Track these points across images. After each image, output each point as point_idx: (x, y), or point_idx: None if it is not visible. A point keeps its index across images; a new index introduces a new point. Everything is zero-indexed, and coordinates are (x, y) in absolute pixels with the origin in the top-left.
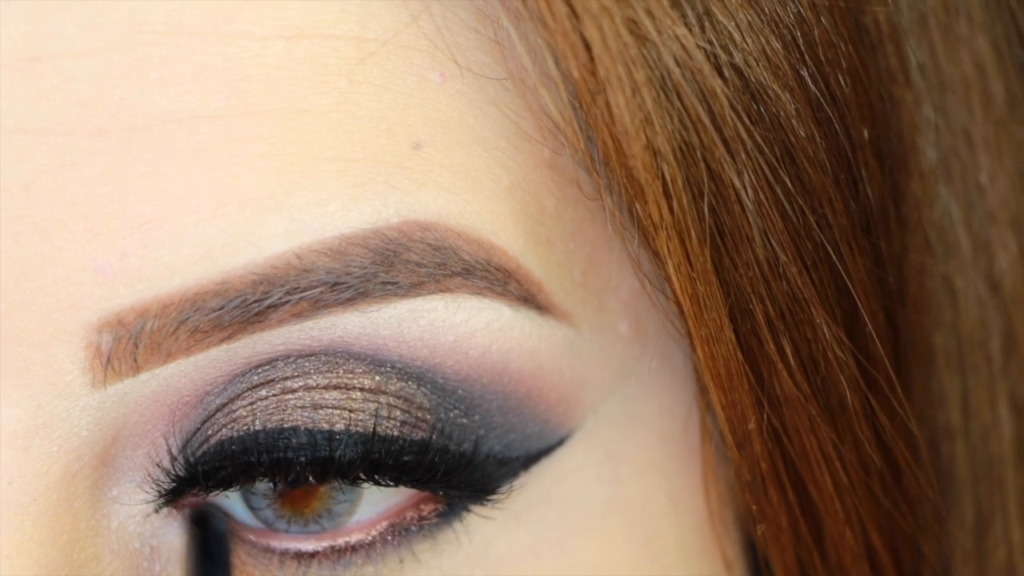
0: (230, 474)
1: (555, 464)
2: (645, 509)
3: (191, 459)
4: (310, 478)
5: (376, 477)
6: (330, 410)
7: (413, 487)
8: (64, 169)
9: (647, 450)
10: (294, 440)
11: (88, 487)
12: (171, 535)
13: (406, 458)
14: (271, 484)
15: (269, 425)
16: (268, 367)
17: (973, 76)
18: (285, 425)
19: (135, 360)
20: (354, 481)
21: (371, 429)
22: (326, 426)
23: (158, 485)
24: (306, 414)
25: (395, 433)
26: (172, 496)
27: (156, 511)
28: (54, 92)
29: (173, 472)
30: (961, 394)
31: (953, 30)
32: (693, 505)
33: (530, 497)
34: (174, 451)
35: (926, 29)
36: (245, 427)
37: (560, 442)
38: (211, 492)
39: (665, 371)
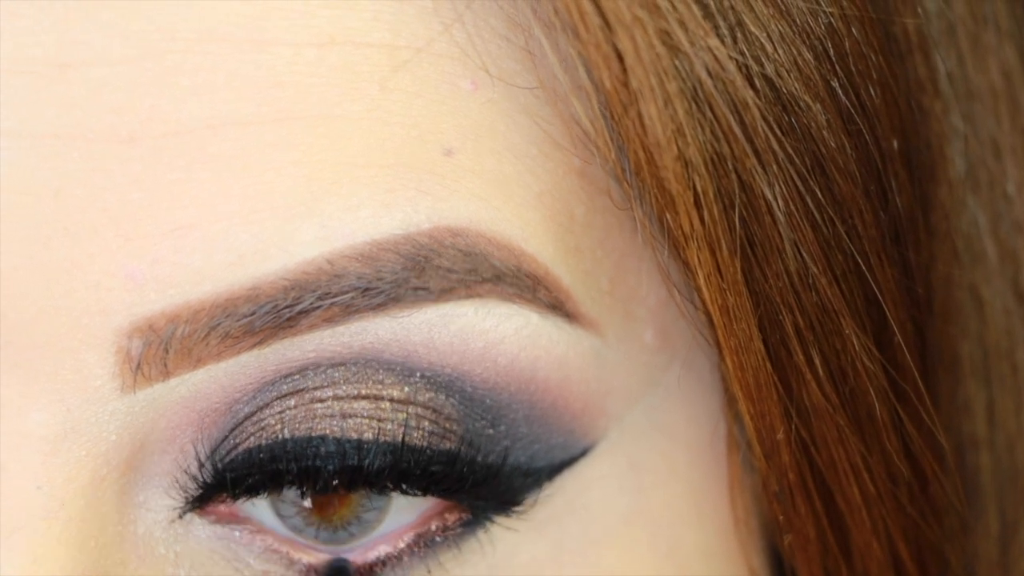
0: (258, 481)
1: (578, 474)
2: (668, 519)
3: (219, 466)
4: (338, 487)
5: (404, 487)
6: (359, 419)
7: (440, 497)
8: (95, 175)
9: (671, 460)
10: (323, 449)
11: (116, 492)
12: (195, 541)
13: (434, 468)
14: (299, 492)
15: (298, 434)
16: (298, 376)
17: (1001, 86)
18: (314, 434)
19: (165, 366)
20: (382, 490)
21: (400, 439)
22: (355, 435)
23: (185, 491)
24: (335, 423)
25: (423, 444)
26: (199, 502)
27: (180, 517)
28: (85, 99)
29: (201, 479)
30: (987, 404)
31: (981, 40)
32: (718, 515)
33: (553, 507)
34: (202, 457)
35: (954, 39)
36: (274, 435)
37: (584, 452)
38: (239, 499)
39: (691, 381)
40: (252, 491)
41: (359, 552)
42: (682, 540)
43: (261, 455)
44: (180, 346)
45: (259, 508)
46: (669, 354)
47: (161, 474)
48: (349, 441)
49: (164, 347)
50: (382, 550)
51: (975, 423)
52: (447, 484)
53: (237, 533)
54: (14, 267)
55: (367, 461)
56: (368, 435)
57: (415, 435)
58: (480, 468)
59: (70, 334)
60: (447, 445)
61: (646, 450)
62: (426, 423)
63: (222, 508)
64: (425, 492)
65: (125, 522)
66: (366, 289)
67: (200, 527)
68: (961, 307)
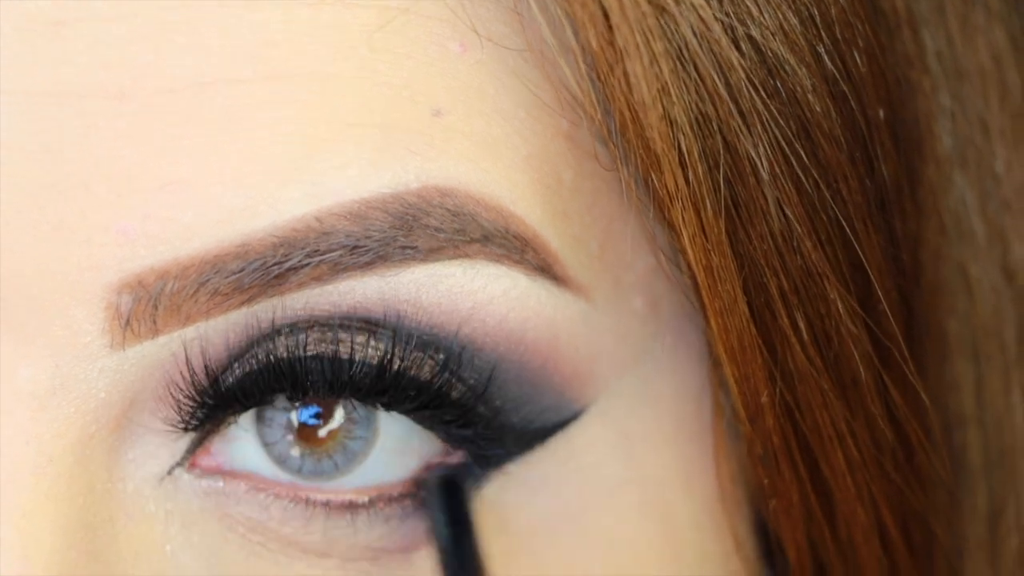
0: (250, 390)
1: (569, 439)
2: (659, 486)
3: (213, 388)
4: (325, 392)
5: (387, 398)
6: (348, 345)
7: (426, 426)
8: (87, 132)
9: (661, 428)
10: (313, 364)
11: (105, 450)
12: (184, 498)
13: (422, 380)
14: (288, 397)
15: (287, 355)
16: (289, 327)
17: (990, 66)
18: (306, 354)
19: (154, 322)
20: (366, 397)
21: (387, 363)
22: (345, 356)
23: (179, 411)
24: (325, 347)
25: (411, 373)
26: (189, 451)
27: (169, 473)
28: (78, 56)
29: (196, 398)
30: (975, 382)
31: (970, 20)
32: (705, 483)
33: (545, 470)
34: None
35: (943, 17)
36: (263, 360)
37: (575, 416)
38: (230, 411)
39: (679, 350)
40: (245, 398)
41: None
42: (672, 508)
43: (250, 378)
44: (169, 303)
45: (245, 445)
46: (658, 323)
47: (150, 432)
48: (339, 358)
49: (153, 303)
50: (375, 495)
51: (963, 401)
52: (431, 400)
53: (217, 482)
54: (5, 223)
55: (355, 369)
56: (358, 356)
57: (398, 363)
58: (462, 405)
59: (60, 290)
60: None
61: (636, 418)
62: (415, 355)
63: (211, 464)
64: (408, 412)
65: (114, 479)
66: (354, 247)
67: (188, 483)
68: (949, 285)
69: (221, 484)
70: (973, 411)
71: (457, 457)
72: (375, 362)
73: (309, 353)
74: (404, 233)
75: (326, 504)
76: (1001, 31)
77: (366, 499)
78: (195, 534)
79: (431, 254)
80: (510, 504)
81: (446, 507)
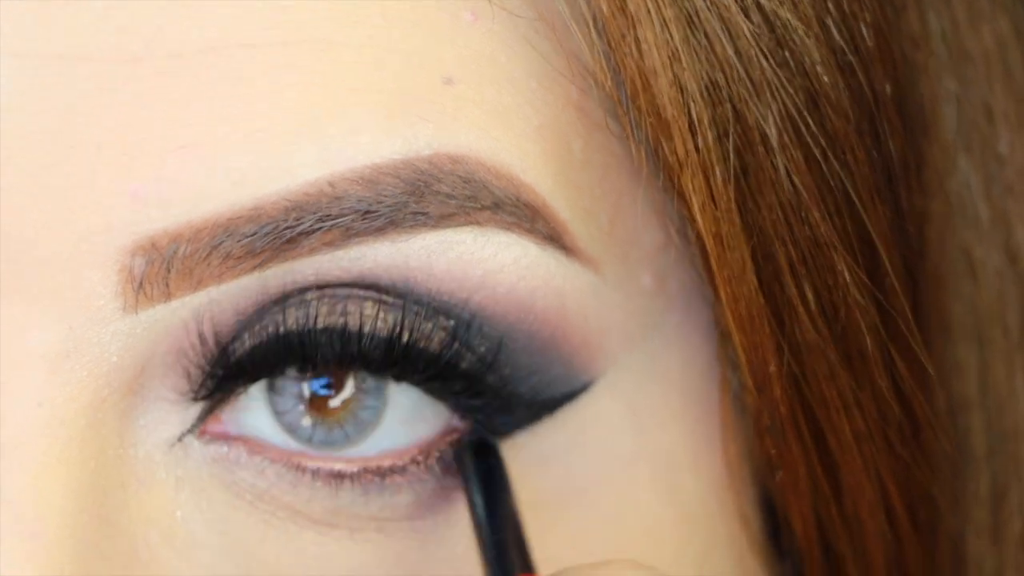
0: (257, 363)
1: (578, 411)
2: (667, 461)
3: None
4: (336, 365)
5: (401, 366)
6: (357, 316)
7: (436, 397)
8: (101, 95)
9: (669, 403)
10: (322, 337)
11: (116, 414)
12: (194, 465)
13: (431, 351)
14: (299, 368)
15: (296, 327)
16: (297, 299)
17: (994, 52)
18: (316, 327)
19: (167, 286)
20: (378, 370)
21: (396, 333)
22: (355, 328)
23: (190, 380)
24: (334, 319)
25: (420, 345)
26: (200, 419)
27: (180, 439)
28: (92, 19)
29: (207, 368)
30: (978, 366)
31: (975, 5)
32: (712, 459)
33: (554, 442)
34: (208, 358)
35: (948, 2)
36: (272, 332)
37: (583, 388)
38: (240, 381)
39: (687, 326)
40: (255, 370)
41: (361, 463)
42: (680, 484)
43: (260, 351)
44: (182, 266)
45: (256, 414)
46: (665, 299)
47: (161, 398)
48: (348, 331)
49: (166, 266)
50: (386, 462)
51: (966, 385)
52: (443, 376)
53: (226, 449)
54: (18, 186)
55: (364, 342)
56: (367, 328)
57: (407, 336)
58: (471, 376)
59: (73, 252)
60: (439, 342)
61: (645, 393)
62: (424, 326)
63: (220, 430)
64: (418, 383)
65: (126, 445)
66: (366, 212)
67: (198, 450)
68: (953, 268)
69: (226, 449)
70: (976, 395)
71: (466, 427)
72: (384, 335)
73: (319, 326)
74: (416, 199)
75: (335, 474)
76: (1005, 19)
77: (374, 468)
78: (204, 500)
79: (442, 220)
80: (518, 475)
81: (479, 470)
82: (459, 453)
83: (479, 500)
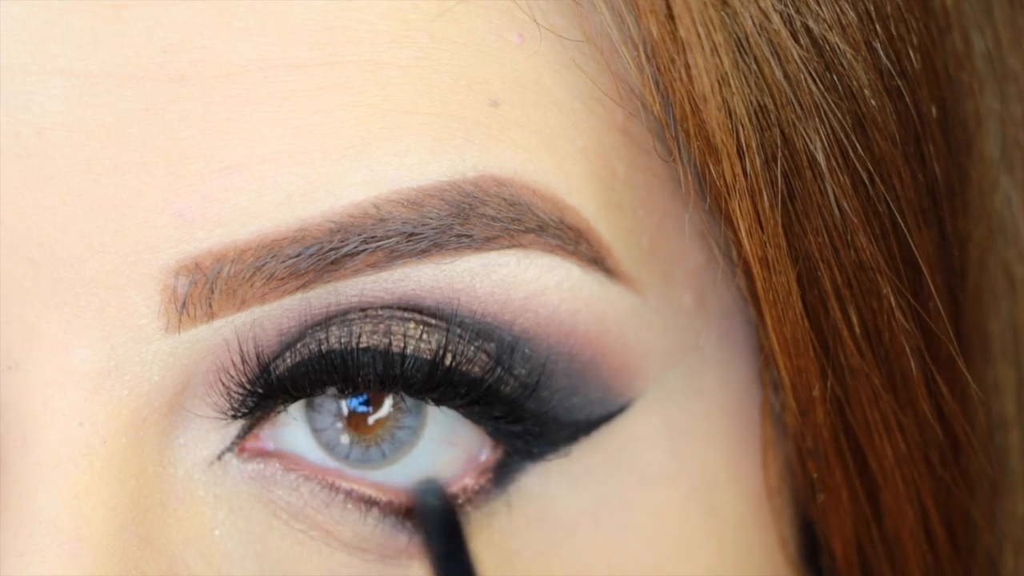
0: (298, 382)
1: (616, 431)
2: (704, 481)
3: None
4: (376, 385)
5: (438, 393)
6: (400, 337)
7: (475, 421)
8: (147, 114)
9: (707, 423)
10: (364, 358)
11: (157, 433)
12: (232, 483)
13: (473, 374)
14: (338, 390)
15: (339, 346)
16: (340, 320)
17: None
18: (359, 346)
19: (210, 306)
20: (417, 392)
21: (440, 357)
22: (397, 350)
23: (229, 397)
24: (377, 339)
25: (462, 368)
26: (239, 437)
27: (219, 458)
28: (138, 38)
29: (247, 386)
30: (1016, 385)
31: (1017, 23)
32: (751, 480)
33: (590, 463)
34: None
35: (991, 20)
36: (314, 351)
37: (621, 410)
38: (279, 400)
39: (727, 346)
40: (296, 389)
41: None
42: (718, 504)
43: (303, 368)
44: (225, 286)
45: (295, 431)
46: (706, 318)
47: (202, 416)
48: (391, 352)
49: (210, 287)
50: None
51: (1004, 403)
52: (484, 402)
53: (263, 466)
54: (64, 204)
55: (407, 364)
56: (410, 350)
57: (450, 359)
58: (512, 401)
59: (117, 271)
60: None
61: (683, 412)
62: (467, 349)
63: (258, 447)
64: (459, 408)
65: (165, 463)
66: (411, 234)
67: (236, 468)
68: (993, 286)
69: (263, 466)
70: (1014, 414)
71: (502, 448)
72: (427, 356)
73: (361, 346)
74: (460, 221)
75: (366, 499)
76: None
77: (398, 504)
78: (241, 520)
79: (486, 243)
80: (552, 495)
81: (441, 524)
82: (419, 507)
83: (437, 554)
